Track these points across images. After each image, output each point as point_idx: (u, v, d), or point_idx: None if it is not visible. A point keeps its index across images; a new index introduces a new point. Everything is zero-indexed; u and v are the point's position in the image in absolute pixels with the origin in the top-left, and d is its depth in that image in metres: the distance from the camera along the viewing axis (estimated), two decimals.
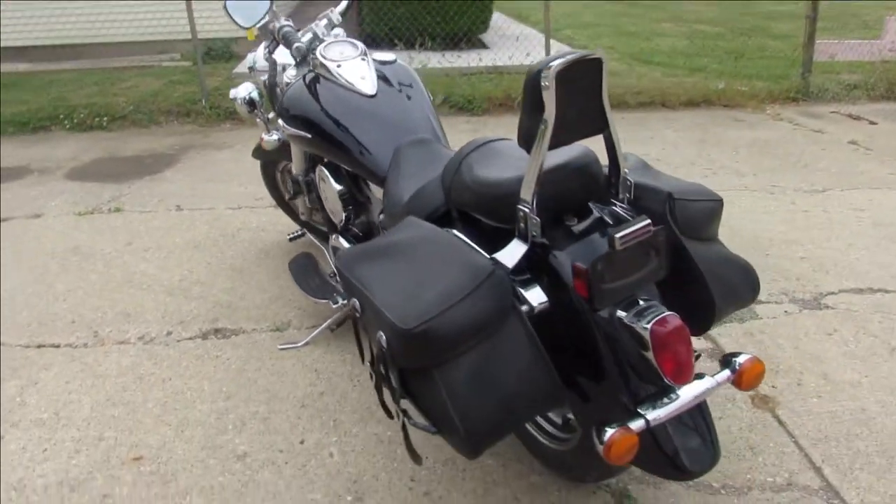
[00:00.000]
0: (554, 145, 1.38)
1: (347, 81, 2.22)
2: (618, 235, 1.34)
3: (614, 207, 1.58)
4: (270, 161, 2.98)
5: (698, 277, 1.51)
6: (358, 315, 1.51)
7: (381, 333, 1.40)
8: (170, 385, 2.28)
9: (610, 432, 1.31)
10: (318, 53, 2.28)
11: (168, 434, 2.06)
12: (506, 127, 5.51)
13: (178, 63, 7.37)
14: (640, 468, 1.53)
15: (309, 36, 2.40)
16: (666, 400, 1.38)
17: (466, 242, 1.55)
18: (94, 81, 6.51)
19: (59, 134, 5.46)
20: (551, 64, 1.31)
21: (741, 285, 1.60)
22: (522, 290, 1.48)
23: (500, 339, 1.37)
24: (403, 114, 2.19)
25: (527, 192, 1.42)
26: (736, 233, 3.27)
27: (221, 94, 5.79)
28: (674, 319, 1.35)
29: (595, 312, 1.42)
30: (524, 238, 1.46)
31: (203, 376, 2.31)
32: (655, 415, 1.35)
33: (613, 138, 1.48)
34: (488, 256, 1.50)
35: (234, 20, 2.39)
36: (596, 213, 1.55)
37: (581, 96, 1.38)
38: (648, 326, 1.35)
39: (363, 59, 2.28)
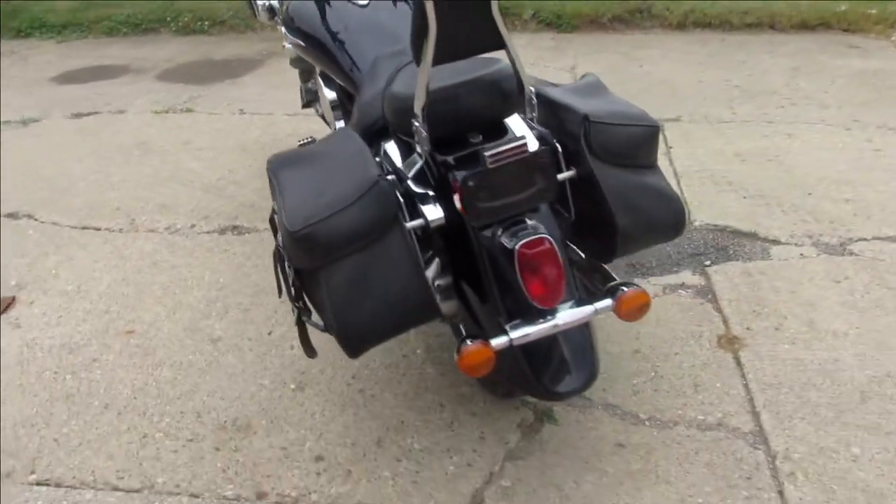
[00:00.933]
0: (440, 59, 1.37)
1: None
2: (487, 154, 1.34)
3: (535, 127, 1.56)
4: (306, 70, 3.08)
5: (603, 203, 1.48)
6: (276, 216, 1.61)
7: (280, 234, 1.49)
8: (176, 271, 2.51)
9: (467, 345, 1.35)
10: None
11: (161, 314, 2.29)
12: (591, 46, 5.33)
13: None
14: (511, 386, 1.56)
15: None
16: (540, 321, 1.39)
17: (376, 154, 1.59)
18: None
19: (166, 36, 5.82)
20: None
21: (659, 217, 1.54)
22: (423, 205, 1.51)
23: (381, 248, 1.42)
24: (393, 26, 2.19)
25: (417, 106, 1.43)
26: (787, 169, 3.04)
27: None
28: (544, 242, 1.35)
29: (481, 231, 1.43)
30: (419, 153, 1.48)
31: (207, 267, 2.53)
32: (519, 333, 1.37)
33: (512, 55, 1.44)
34: (399, 167, 1.54)
35: None
36: (511, 133, 1.53)
37: (468, 11, 1.35)
38: (516, 247, 1.35)
39: None
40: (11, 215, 2.96)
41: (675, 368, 1.96)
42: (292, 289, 1.53)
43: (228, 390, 1.96)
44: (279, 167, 1.62)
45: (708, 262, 2.44)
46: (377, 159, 1.63)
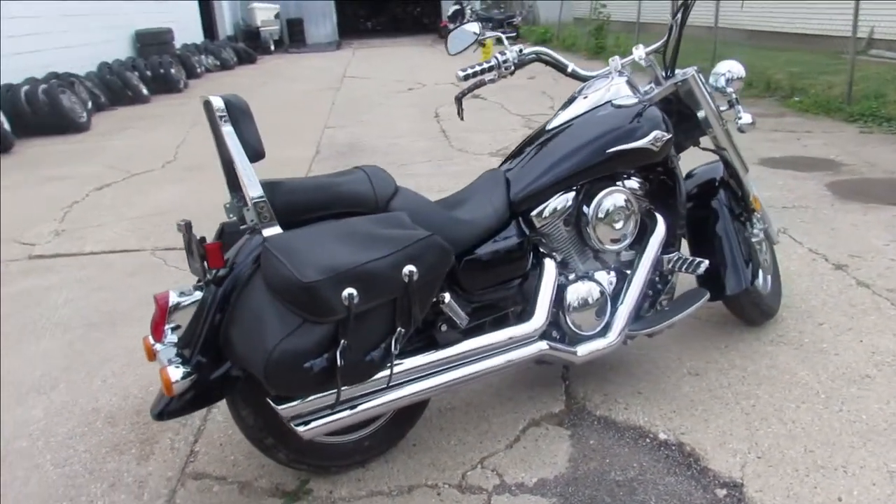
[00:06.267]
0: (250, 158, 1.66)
1: (559, 110, 2.28)
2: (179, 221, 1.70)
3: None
4: None
5: None
6: None
7: None
8: None
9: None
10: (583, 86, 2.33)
11: None
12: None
13: None
14: None
15: (604, 69, 2.34)
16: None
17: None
18: None
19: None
20: None
21: (248, 350, 1.57)
22: None
23: None
24: (541, 154, 2.16)
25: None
26: None
27: None
28: (162, 294, 1.69)
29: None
30: None
31: None
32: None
33: (236, 173, 1.62)
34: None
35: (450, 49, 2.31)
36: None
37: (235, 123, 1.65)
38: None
39: (584, 98, 2.26)
40: None
41: None
42: None
43: None
44: None
45: None
46: None
